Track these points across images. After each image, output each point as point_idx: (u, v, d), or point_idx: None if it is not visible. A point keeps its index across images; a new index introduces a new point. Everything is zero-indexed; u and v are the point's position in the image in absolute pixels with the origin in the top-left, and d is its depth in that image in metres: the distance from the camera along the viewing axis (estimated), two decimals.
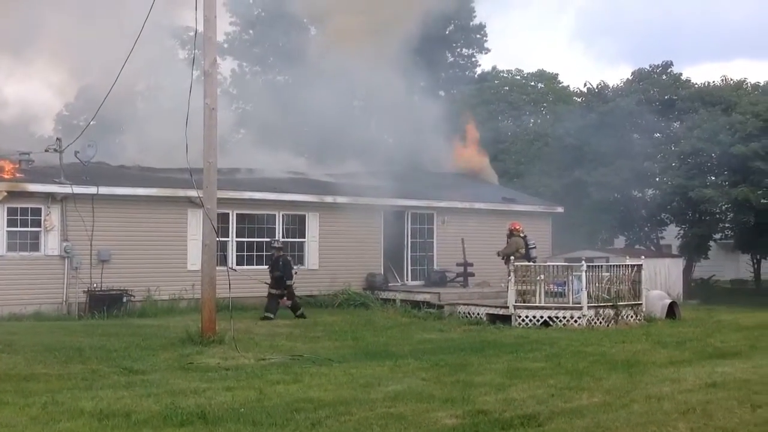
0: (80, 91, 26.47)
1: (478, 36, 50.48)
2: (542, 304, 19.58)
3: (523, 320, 19.38)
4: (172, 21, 21.78)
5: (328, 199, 24.54)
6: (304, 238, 24.25)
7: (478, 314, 20.45)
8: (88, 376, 11.35)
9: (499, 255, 21.28)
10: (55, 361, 12.55)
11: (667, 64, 37.58)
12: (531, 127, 43.52)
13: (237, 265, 22.57)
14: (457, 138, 34.06)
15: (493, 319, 19.94)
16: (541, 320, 19.29)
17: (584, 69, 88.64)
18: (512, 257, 20.34)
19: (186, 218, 22.00)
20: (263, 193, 23.55)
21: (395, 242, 26.00)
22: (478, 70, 51.11)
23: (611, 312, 19.51)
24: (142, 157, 25.14)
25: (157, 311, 20.50)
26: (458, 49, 50.57)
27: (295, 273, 21.01)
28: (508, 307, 19.72)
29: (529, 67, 74.81)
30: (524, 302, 19.67)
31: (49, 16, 25.40)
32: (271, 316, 19.66)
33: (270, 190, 23.90)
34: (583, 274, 19.43)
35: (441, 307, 21.65)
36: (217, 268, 15.55)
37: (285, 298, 20.35)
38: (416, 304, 22.39)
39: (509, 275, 19.80)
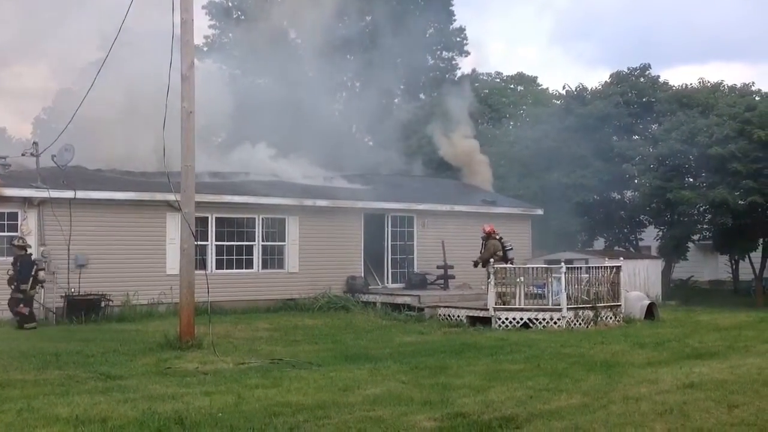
0: (58, 95, 26.29)
1: (458, 39, 50.69)
2: (522, 306, 19.63)
3: (503, 322, 19.42)
4: (150, 24, 21.61)
5: (308, 202, 24.49)
6: (284, 241, 24.18)
7: (458, 316, 20.47)
8: (65, 381, 11.23)
9: (477, 264, 21.19)
10: (32, 367, 12.43)
11: (645, 67, 37.88)
12: (510, 130, 43.70)
13: (217, 269, 22.51)
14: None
15: (474, 321, 19.98)
16: (521, 322, 19.34)
17: (563, 72, 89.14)
18: (491, 260, 20.38)
19: (165, 222, 21.87)
20: (243, 196, 23.47)
21: (376, 245, 25.99)
22: (459, 73, 51.33)
23: (590, 313, 19.59)
24: (121, 160, 24.97)
25: (135, 316, 20.34)
26: (438, 52, 50.74)
27: (42, 281, 18.91)
28: (488, 309, 19.76)
29: (509, 71, 75.10)
30: (504, 304, 19.71)
31: (27, 19, 25.20)
32: (34, 325, 18.17)
33: (249, 193, 23.82)
34: (563, 276, 19.50)
35: (421, 309, 21.66)
36: (196, 272, 15.46)
37: (23, 305, 18.27)
38: (397, 307, 22.40)
39: (488, 278, 19.83)
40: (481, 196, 30.43)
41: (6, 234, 19.88)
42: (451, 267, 24.84)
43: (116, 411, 9.12)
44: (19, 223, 19.93)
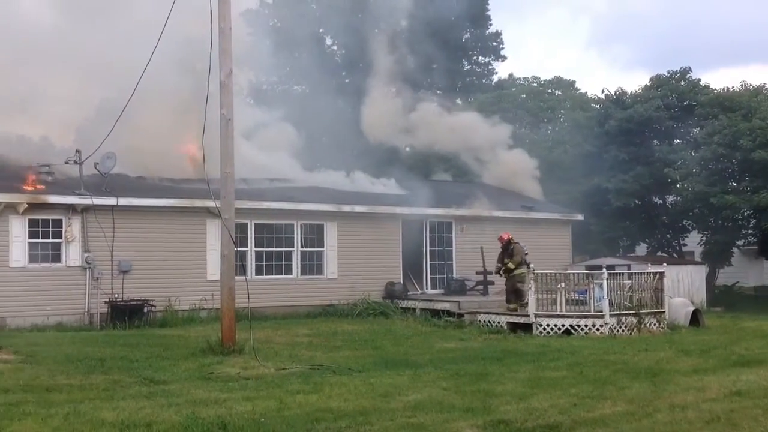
0: (101, 103, 26.64)
1: (494, 44, 50.53)
2: (563, 313, 19.45)
3: (544, 329, 19.25)
4: (188, 33, 21.84)
5: (346, 208, 24.54)
6: (323, 247, 24.26)
7: (499, 323, 20.34)
8: (110, 386, 11.35)
9: (510, 271, 20.94)
10: (77, 372, 12.59)
11: (686, 70, 37.39)
12: (549, 134, 43.43)
13: (256, 275, 22.64)
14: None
15: (514, 327, 19.84)
16: (563, 328, 19.15)
17: (601, 75, 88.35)
18: (530, 266, 20.22)
19: (205, 228, 22.08)
20: (281, 202, 23.59)
21: (414, 251, 25.96)
22: (495, 78, 51.17)
23: (633, 320, 19.34)
24: (162, 167, 25.24)
25: (177, 321, 20.55)
26: (474, 57, 50.63)
27: None
28: (528, 316, 19.60)
29: (546, 75, 74.63)
30: (545, 311, 19.54)
31: (67, 26, 25.59)
32: None
33: (288, 199, 23.93)
34: (605, 281, 19.29)
35: (461, 315, 21.57)
36: (236, 278, 15.57)
37: None
38: (436, 313, 22.33)
39: (529, 284, 19.68)
40: (519, 201, 30.24)
41: (51, 240, 20.19)
42: (491, 273, 24.66)
43: (161, 416, 9.20)
44: (63, 229, 20.23)
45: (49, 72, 25.60)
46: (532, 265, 20.06)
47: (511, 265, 20.74)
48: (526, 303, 20.11)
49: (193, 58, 25.77)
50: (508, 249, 21.03)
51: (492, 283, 24.78)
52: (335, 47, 48.64)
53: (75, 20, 26.01)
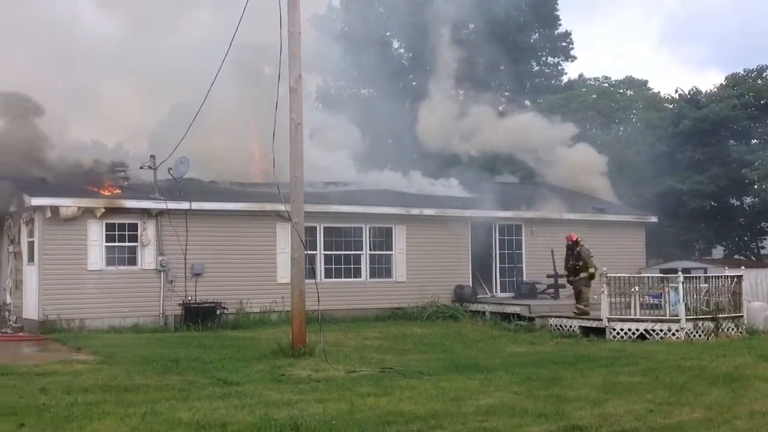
0: (172, 109, 27.25)
1: (563, 44, 49.92)
2: (638, 317, 19.07)
3: (618, 333, 18.88)
4: (257, 38, 22.18)
5: (415, 211, 24.51)
6: (392, 250, 24.27)
7: (571, 327, 20.04)
8: (185, 387, 11.58)
9: (577, 273, 20.64)
10: (154, 373, 12.88)
11: (762, 69, 36.33)
12: (620, 135, 42.67)
13: (326, 278, 22.77)
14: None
15: (587, 331, 19.52)
16: (637, 333, 18.76)
17: (673, 75, 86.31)
18: (597, 268, 19.91)
19: (275, 232, 22.32)
20: (350, 206, 23.69)
21: (483, 254, 25.76)
22: (565, 79, 50.50)
23: (711, 324, 18.84)
24: (233, 172, 25.64)
25: (249, 323, 20.83)
26: (543, 58, 50.09)
27: None
28: (601, 320, 19.26)
29: (617, 74, 73.37)
30: (618, 315, 19.17)
31: (139, 39, 26.26)
32: None
33: (356, 203, 24.03)
34: (680, 285, 18.84)
35: (532, 319, 21.32)
36: (306, 281, 15.69)
37: None
38: (506, 317, 22.13)
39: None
40: (590, 202, 29.74)
41: (127, 244, 20.69)
42: (562, 276, 24.30)
43: (235, 416, 9.33)
44: (139, 233, 20.71)
45: (123, 80, 26.34)
46: (604, 268, 19.71)
47: (591, 270, 20.39)
48: (585, 307, 20.07)
49: (262, 64, 26.19)
50: (573, 251, 20.73)
51: (563, 286, 24.38)
52: (402, 50, 48.73)
53: (146, 30, 26.71)
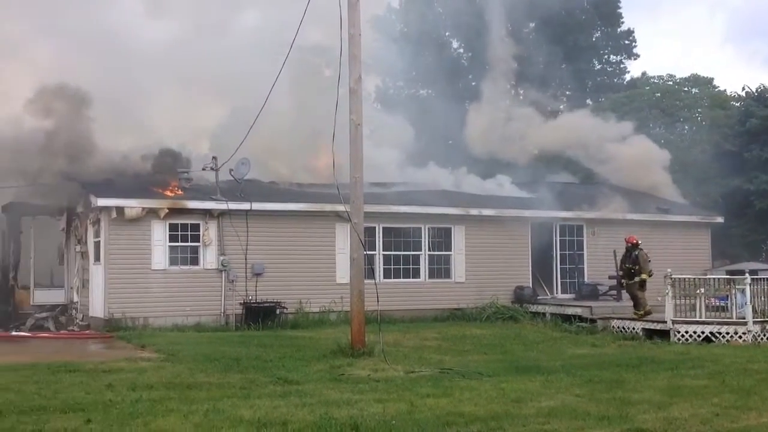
0: (232, 111, 27.66)
1: (626, 42, 49.10)
2: (703, 319, 18.64)
3: (683, 335, 18.48)
4: (317, 39, 22.35)
5: (474, 211, 24.37)
6: (451, 251, 24.18)
7: (634, 329, 19.69)
8: (246, 385, 11.71)
9: (643, 276, 20.26)
10: (215, 371, 13.05)
11: None
12: (685, 134, 41.80)
13: (384, 278, 22.76)
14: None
15: (650, 334, 19.15)
16: (702, 336, 18.34)
17: (739, 72, 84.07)
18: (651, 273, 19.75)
19: (334, 232, 22.43)
20: (409, 206, 23.68)
21: (544, 254, 25.50)
22: (627, 77, 49.67)
23: None
24: (292, 173, 25.87)
25: (308, 323, 20.97)
26: (606, 56, 49.35)
27: None
28: (665, 322, 18.87)
29: (682, 72, 71.80)
30: (683, 317, 18.77)
31: (199, 43, 26.69)
32: None
33: (415, 203, 24.00)
34: (747, 287, 18.36)
35: (593, 321, 21.02)
36: (365, 281, 15.72)
37: None
38: (567, 318, 21.86)
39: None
40: (653, 202, 29.17)
41: (189, 244, 21.03)
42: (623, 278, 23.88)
43: (295, 415, 9.40)
44: (201, 233, 21.04)
45: (183, 84, 26.80)
46: (669, 270, 19.29)
47: (644, 276, 20.04)
48: (645, 312, 19.80)
49: (320, 65, 26.38)
50: (631, 254, 20.34)
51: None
52: (461, 50, 48.53)
53: (206, 33, 27.17)
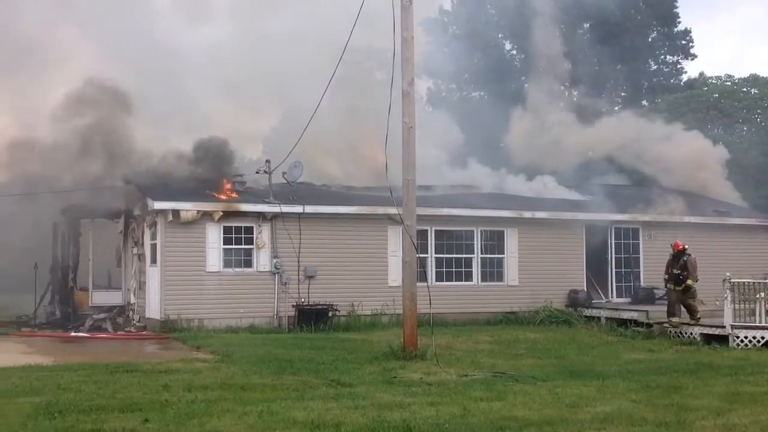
0: (284, 115, 27.94)
1: (683, 42, 48.24)
2: (763, 324, 18.17)
3: (742, 341, 18.06)
4: (369, 43, 22.40)
5: (527, 214, 24.16)
6: (503, 254, 24.00)
7: (691, 334, 19.30)
8: (300, 387, 11.78)
9: (689, 283, 19.82)
10: (269, 372, 13.16)
11: None
12: (744, 135, 40.87)
13: (436, 281, 22.69)
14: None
15: (708, 339, 18.76)
16: (762, 341, 17.88)
17: None
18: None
19: (386, 235, 22.44)
20: (461, 209, 23.58)
21: (598, 258, 25.16)
22: (684, 78, 48.80)
23: None
24: (343, 176, 26.00)
25: (360, 326, 21.00)
26: (662, 57, 48.54)
27: None
28: (724, 327, 18.46)
29: (741, 72, 70.23)
30: (742, 322, 18.33)
31: (251, 48, 27.01)
32: None
33: (467, 206, 23.89)
34: None
35: (650, 325, 20.65)
36: (417, 284, 15.69)
37: None
38: (622, 322, 21.52)
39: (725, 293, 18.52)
40: (710, 205, 28.56)
41: (243, 247, 21.25)
42: None
43: (348, 417, 9.41)
44: (254, 236, 21.24)
45: (236, 88, 27.16)
46: (728, 273, 18.86)
47: (690, 282, 19.64)
48: (699, 318, 19.37)
49: (373, 68, 26.47)
50: (679, 260, 19.90)
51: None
52: (514, 52, 48.22)
53: (258, 39, 27.50)
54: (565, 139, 31.68)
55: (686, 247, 20.16)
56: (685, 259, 19.85)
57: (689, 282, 19.63)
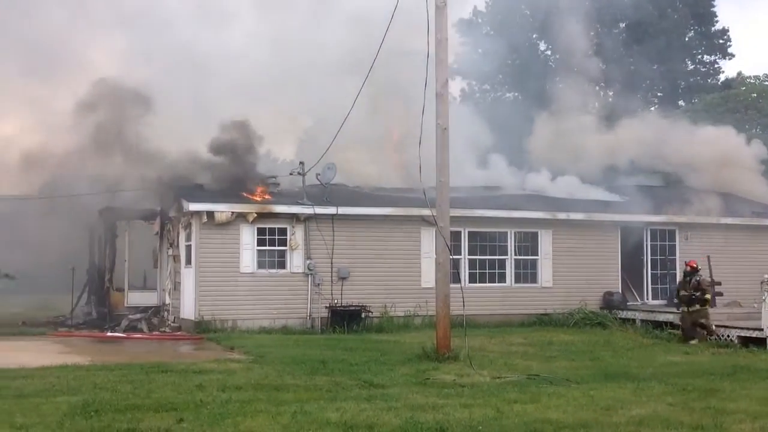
0: (318, 116, 28.04)
1: (720, 41, 47.61)
2: None
3: None
4: (403, 44, 22.40)
5: (561, 215, 23.99)
6: (537, 255, 23.86)
7: (728, 336, 19.03)
8: (332, 388, 11.81)
9: (692, 304, 19.49)
10: (302, 373, 13.21)
11: None
12: None
13: (470, 282, 22.59)
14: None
15: (746, 341, 18.47)
16: None
17: None
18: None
19: (419, 236, 22.41)
20: (494, 210, 23.48)
21: (633, 259, 24.89)
22: (722, 77, 48.15)
23: None
24: (376, 177, 26.00)
25: (392, 327, 21.00)
26: (699, 56, 47.96)
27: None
28: (762, 330, 18.16)
29: None
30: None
31: (283, 50, 27.13)
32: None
33: (501, 207, 23.78)
34: None
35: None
36: (450, 285, 15.64)
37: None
38: (658, 325, 21.29)
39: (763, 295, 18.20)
40: (747, 206, 28.11)
41: (277, 248, 21.36)
42: (719, 283, 23.08)
43: (381, 418, 9.42)
44: (288, 237, 21.34)
45: (270, 91, 27.29)
46: (766, 276, 18.56)
47: (708, 297, 19.46)
48: (710, 328, 19.18)
49: (405, 69, 26.42)
50: (691, 279, 19.57)
51: (720, 294, 23.18)
52: (548, 52, 47.93)
53: (289, 40, 27.63)
54: (588, 143, 31.35)
55: (698, 266, 19.86)
56: (698, 279, 19.54)
57: (707, 296, 19.39)
